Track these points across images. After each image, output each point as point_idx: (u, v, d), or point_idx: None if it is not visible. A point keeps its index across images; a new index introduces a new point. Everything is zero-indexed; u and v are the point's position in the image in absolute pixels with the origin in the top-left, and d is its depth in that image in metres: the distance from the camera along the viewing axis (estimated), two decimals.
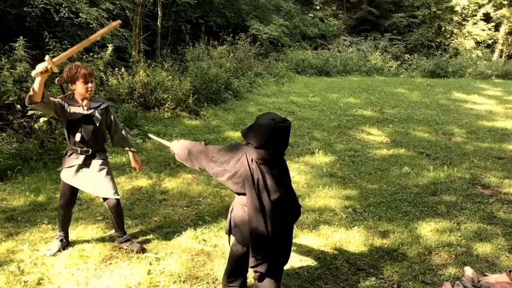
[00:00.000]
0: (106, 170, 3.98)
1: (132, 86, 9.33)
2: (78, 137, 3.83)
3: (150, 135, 4.00)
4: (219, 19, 17.65)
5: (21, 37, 7.60)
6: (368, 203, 5.65)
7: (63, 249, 4.14)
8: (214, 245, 4.39)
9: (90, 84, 3.75)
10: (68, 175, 3.91)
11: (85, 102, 3.82)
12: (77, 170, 3.89)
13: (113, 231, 4.45)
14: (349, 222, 5.06)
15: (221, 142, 8.02)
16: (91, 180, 3.92)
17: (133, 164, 4.34)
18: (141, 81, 9.38)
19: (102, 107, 3.92)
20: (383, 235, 4.76)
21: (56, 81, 3.76)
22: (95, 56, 8.67)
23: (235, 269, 3.41)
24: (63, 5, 9.52)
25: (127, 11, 11.95)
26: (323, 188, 6.08)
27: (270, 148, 2.90)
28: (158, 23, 13.62)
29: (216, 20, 17.54)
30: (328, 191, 5.99)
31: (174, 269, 3.92)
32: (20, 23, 10.04)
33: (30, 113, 6.80)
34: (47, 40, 8.11)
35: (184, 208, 5.32)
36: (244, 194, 2.98)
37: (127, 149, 4.24)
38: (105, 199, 4.03)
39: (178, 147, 3.30)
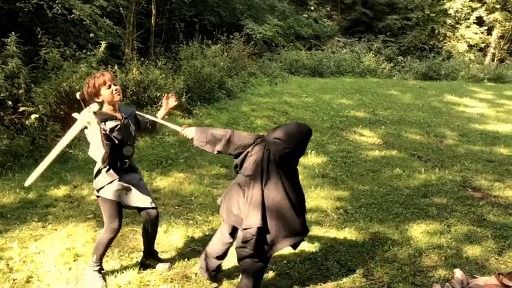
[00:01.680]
0: (141, 180, 3.71)
1: (125, 83, 9.28)
2: (129, 150, 3.50)
3: (156, 120, 3.75)
4: (213, 18, 17.60)
5: (13, 33, 7.55)
6: (359, 204, 5.66)
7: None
8: (206, 245, 4.37)
9: (114, 87, 3.34)
10: (111, 192, 3.45)
11: (117, 111, 3.44)
12: (118, 185, 3.46)
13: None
14: (340, 223, 5.07)
15: None
16: (135, 193, 3.56)
17: (171, 103, 3.91)
18: (134, 79, 9.34)
19: (131, 114, 3.62)
20: (374, 236, 4.77)
21: (77, 95, 3.32)
22: (88, 53, 8.62)
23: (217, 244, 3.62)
24: (57, 1, 9.45)
25: (121, 8, 11.89)
26: (315, 189, 6.09)
27: (292, 147, 3.24)
28: (152, 21, 13.54)
29: (210, 18, 17.48)
30: (320, 192, 6.00)
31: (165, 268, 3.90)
32: (12, 18, 9.94)
33: (21, 109, 6.77)
34: (39, 36, 8.05)
35: (176, 207, 5.30)
36: (250, 177, 3.24)
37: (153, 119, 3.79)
38: (141, 210, 3.66)
39: (196, 131, 3.39)
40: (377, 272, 4.06)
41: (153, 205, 3.65)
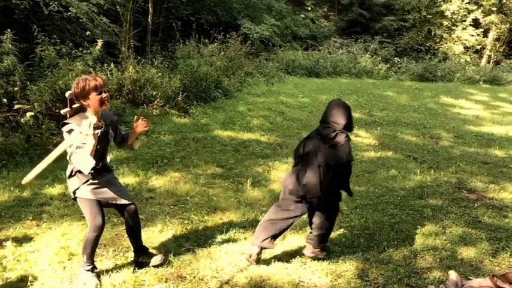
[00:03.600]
0: (115, 179, 3.74)
1: (121, 82, 9.26)
2: (104, 154, 3.57)
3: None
4: (210, 17, 17.59)
5: (8, 30, 7.50)
6: (355, 205, 5.66)
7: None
8: (201, 245, 4.37)
9: (104, 95, 3.36)
10: (87, 191, 3.49)
11: (100, 118, 3.46)
12: (93, 184, 3.50)
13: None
14: (335, 224, 5.06)
15: (210, 141, 8.00)
16: (110, 189, 3.59)
17: (140, 128, 3.77)
18: (130, 78, 9.32)
19: (114, 122, 3.67)
20: (369, 237, 4.78)
21: (66, 94, 3.34)
22: (84, 51, 8.58)
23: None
24: None
25: (117, 6, 11.85)
26: None
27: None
28: (149, 19, 13.52)
29: (207, 17, 17.48)
30: None
31: (160, 267, 3.89)
32: (8, 15, 9.89)
33: (16, 107, 6.73)
34: (35, 33, 8.01)
35: (171, 207, 5.29)
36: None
37: (127, 133, 3.88)
38: (120, 208, 3.71)
39: None
40: (372, 273, 4.06)
41: (128, 201, 3.67)
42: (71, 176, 3.49)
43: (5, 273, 3.67)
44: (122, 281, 3.66)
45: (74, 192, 3.49)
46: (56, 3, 9.44)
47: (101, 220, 3.52)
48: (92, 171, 3.26)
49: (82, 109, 3.42)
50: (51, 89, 7.23)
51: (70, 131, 3.25)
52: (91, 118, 3.18)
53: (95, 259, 3.70)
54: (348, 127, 3.97)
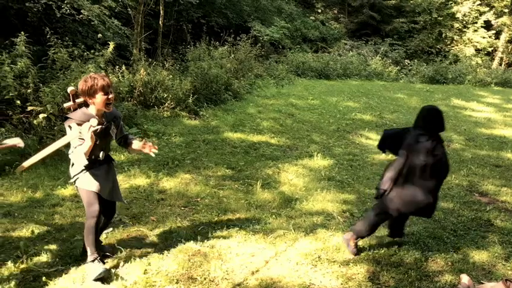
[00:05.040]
0: (114, 174, 3.89)
1: (132, 84, 9.32)
2: (101, 154, 3.66)
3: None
4: (220, 19, 17.65)
5: (22, 32, 7.59)
6: (365, 207, 5.65)
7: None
8: (211, 246, 4.38)
9: (110, 96, 3.48)
10: (86, 182, 3.63)
11: (102, 115, 3.58)
12: (93, 174, 3.64)
13: (110, 229, 4.47)
14: (346, 226, 5.06)
15: (220, 143, 8.02)
16: (106, 184, 3.73)
17: (147, 150, 3.78)
18: (141, 80, 9.38)
19: (117, 118, 3.77)
20: (380, 240, 4.76)
21: (68, 91, 3.45)
22: (96, 53, 8.66)
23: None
24: (65, 1, 9.52)
25: (129, 9, 11.95)
26: (321, 192, 6.08)
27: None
28: (160, 22, 13.60)
29: (218, 20, 17.53)
30: (326, 195, 5.99)
31: (171, 269, 3.91)
32: (21, 18, 10.01)
33: (29, 108, 6.80)
34: (48, 36, 8.10)
35: (182, 208, 5.31)
36: None
37: (132, 139, 3.88)
38: (109, 204, 3.85)
39: None
40: (383, 276, 4.05)
41: (122, 200, 3.93)
42: (72, 165, 3.67)
43: (19, 272, 3.70)
44: (133, 281, 3.68)
45: (75, 181, 3.66)
46: (68, 6, 9.53)
47: (97, 208, 3.63)
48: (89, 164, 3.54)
49: (85, 104, 3.55)
50: (63, 91, 7.29)
51: (70, 127, 3.41)
52: (92, 121, 3.29)
53: (106, 260, 3.73)
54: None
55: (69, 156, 3.65)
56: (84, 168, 3.59)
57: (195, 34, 15.30)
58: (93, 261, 3.67)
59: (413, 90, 16.47)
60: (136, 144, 3.83)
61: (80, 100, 3.56)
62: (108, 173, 3.77)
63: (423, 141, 3.99)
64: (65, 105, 3.57)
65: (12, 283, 3.54)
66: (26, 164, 3.50)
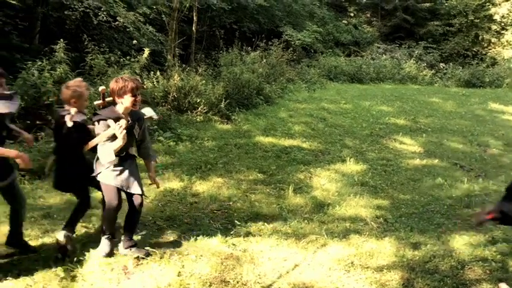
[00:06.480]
0: (136, 168, 4.05)
1: (166, 89, 9.48)
2: (128, 147, 3.87)
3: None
4: (252, 25, 17.76)
5: (61, 40, 7.84)
6: (400, 213, 5.57)
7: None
8: (244, 250, 4.40)
9: (138, 98, 3.77)
10: (107, 176, 3.89)
11: (128, 114, 3.83)
12: (114, 170, 3.89)
13: (144, 232, 4.54)
14: (380, 232, 5.00)
15: (251, 147, 8.06)
16: (127, 177, 3.94)
17: (152, 174, 4.28)
18: (175, 85, 9.52)
19: (141, 119, 3.98)
20: (414, 247, 4.68)
21: (99, 89, 3.84)
22: (132, 59, 8.86)
23: None
24: (102, 9, 9.78)
25: (163, 16, 12.17)
26: (354, 197, 6.03)
27: None
28: (193, 28, 13.81)
29: (250, 25, 17.65)
30: (359, 200, 5.93)
31: (204, 271, 3.95)
32: (60, 25, 10.36)
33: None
34: (85, 43, 8.34)
35: (215, 211, 5.36)
36: None
37: (148, 160, 4.23)
38: (131, 196, 4.03)
39: None
40: (417, 283, 3.98)
41: (140, 191, 4.00)
42: (97, 160, 3.89)
43: (57, 272, 3.81)
44: (167, 283, 3.74)
45: (97, 176, 3.90)
46: (104, 13, 9.80)
47: (116, 204, 3.91)
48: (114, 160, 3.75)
49: (113, 103, 3.84)
50: (100, 96, 7.49)
51: (98, 121, 3.70)
52: (121, 122, 3.54)
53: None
54: None
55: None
56: (107, 164, 3.80)
57: (228, 39, 15.45)
58: (105, 238, 4.04)
59: (448, 94, 16.12)
60: (150, 169, 4.28)
61: (109, 99, 3.88)
62: (128, 168, 3.95)
63: None
64: (95, 103, 3.94)
65: (53, 282, 3.65)
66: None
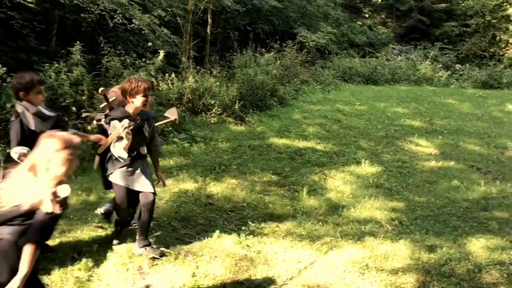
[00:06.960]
0: (147, 168, 4.11)
1: (181, 91, 9.53)
2: (137, 147, 3.94)
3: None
4: (266, 26, 17.76)
5: (78, 42, 7.93)
6: (415, 216, 5.52)
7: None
8: (258, 251, 4.41)
9: (149, 98, 3.85)
10: (119, 177, 3.98)
11: (138, 114, 3.90)
12: (125, 171, 3.97)
13: (158, 233, 4.57)
14: (395, 234, 4.96)
15: (265, 148, 8.06)
16: (138, 177, 4.01)
17: (159, 173, 4.35)
18: (190, 87, 9.57)
19: (150, 118, 4.06)
20: (430, 249, 4.63)
21: (99, 91, 3.92)
22: (147, 61, 8.92)
23: None
24: (118, 12, 9.87)
25: (178, 18, 12.24)
26: (369, 199, 5.99)
27: None
28: (208, 30, 13.86)
29: (264, 27, 17.65)
30: (373, 202, 5.90)
31: (218, 272, 3.97)
32: (76, 28, 10.48)
33: (84, 115, 7.08)
34: (101, 45, 8.42)
35: (229, 213, 5.38)
36: None
37: (158, 156, 4.33)
38: (143, 195, 4.05)
39: None
40: (433, 286, 3.94)
41: (151, 190, 4.02)
42: (109, 160, 4.00)
43: (74, 272, 3.86)
44: (182, 284, 3.76)
45: (109, 175, 4.01)
46: (120, 16, 9.88)
47: (125, 205, 4.08)
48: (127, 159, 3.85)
49: (122, 104, 3.95)
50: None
51: (109, 122, 3.81)
52: (124, 121, 3.62)
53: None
54: None
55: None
56: (119, 164, 3.91)
57: (242, 41, 15.48)
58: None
59: (464, 95, 15.94)
60: (158, 167, 4.36)
61: (112, 99, 3.99)
62: (139, 168, 4.02)
63: None
64: (101, 105, 4.09)
65: (69, 282, 3.70)
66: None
